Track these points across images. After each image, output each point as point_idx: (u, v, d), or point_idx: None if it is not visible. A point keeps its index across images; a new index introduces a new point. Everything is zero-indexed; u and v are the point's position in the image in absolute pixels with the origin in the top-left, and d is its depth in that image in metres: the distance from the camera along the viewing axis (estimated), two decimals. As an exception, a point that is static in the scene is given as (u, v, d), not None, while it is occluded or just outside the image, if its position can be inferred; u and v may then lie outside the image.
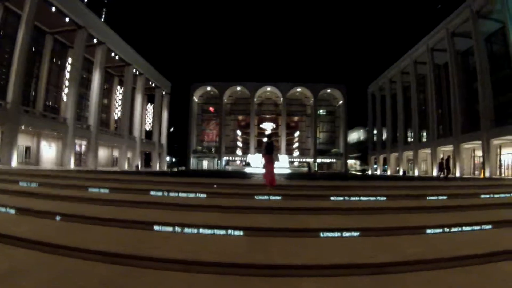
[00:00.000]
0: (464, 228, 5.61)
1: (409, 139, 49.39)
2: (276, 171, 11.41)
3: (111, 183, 10.82)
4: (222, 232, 5.09)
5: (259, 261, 3.78)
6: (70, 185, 9.94)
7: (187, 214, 6.28)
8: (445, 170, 22.26)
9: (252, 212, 6.48)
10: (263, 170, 10.77)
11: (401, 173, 47.87)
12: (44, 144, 32.10)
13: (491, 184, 14.02)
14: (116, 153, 46.51)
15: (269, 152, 10.07)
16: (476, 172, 35.39)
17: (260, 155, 58.42)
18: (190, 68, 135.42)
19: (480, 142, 31.12)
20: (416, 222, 5.75)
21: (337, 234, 5.09)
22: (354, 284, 3.36)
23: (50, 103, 35.17)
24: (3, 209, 6.28)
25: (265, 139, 13.60)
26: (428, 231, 5.39)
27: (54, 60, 35.53)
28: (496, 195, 9.40)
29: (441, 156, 27.58)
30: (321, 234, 5.06)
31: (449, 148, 37.55)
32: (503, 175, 29.89)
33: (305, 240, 4.74)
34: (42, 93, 33.25)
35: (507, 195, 9.55)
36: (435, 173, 38.70)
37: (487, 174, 29.61)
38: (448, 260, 3.95)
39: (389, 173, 53.22)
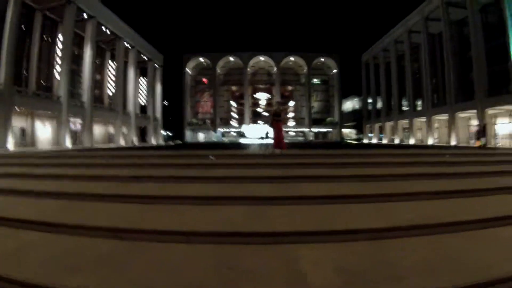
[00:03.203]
0: (462, 195, 5.64)
1: (403, 108, 49.33)
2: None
3: (110, 159, 10.84)
4: (222, 202, 5.15)
5: (258, 229, 3.86)
6: (69, 164, 9.94)
7: (186, 186, 6.33)
8: (482, 138, 21.78)
9: (251, 182, 6.55)
10: (260, 141, 12.25)
11: (396, 142, 48.10)
12: (38, 124, 31.68)
13: (489, 153, 14.19)
14: (111, 130, 46.04)
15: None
16: (472, 141, 35.58)
17: (257, 125, 59.24)
18: (182, 39, 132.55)
19: (475, 111, 31.18)
20: (414, 189, 5.83)
21: (334, 201, 5.16)
22: (352, 249, 3.43)
23: (42, 82, 34.34)
24: (3, 193, 6.24)
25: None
26: (426, 197, 5.43)
27: (45, 37, 34.43)
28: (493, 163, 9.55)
29: (477, 123, 27.10)
30: (319, 201, 5.14)
31: (444, 117, 37.65)
32: (498, 144, 30.08)
33: (303, 208, 4.80)
34: (34, 72, 32.42)
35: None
36: (430, 142, 38.98)
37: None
38: (445, 225, 4.01)
39: (384, 142, 53.36)
